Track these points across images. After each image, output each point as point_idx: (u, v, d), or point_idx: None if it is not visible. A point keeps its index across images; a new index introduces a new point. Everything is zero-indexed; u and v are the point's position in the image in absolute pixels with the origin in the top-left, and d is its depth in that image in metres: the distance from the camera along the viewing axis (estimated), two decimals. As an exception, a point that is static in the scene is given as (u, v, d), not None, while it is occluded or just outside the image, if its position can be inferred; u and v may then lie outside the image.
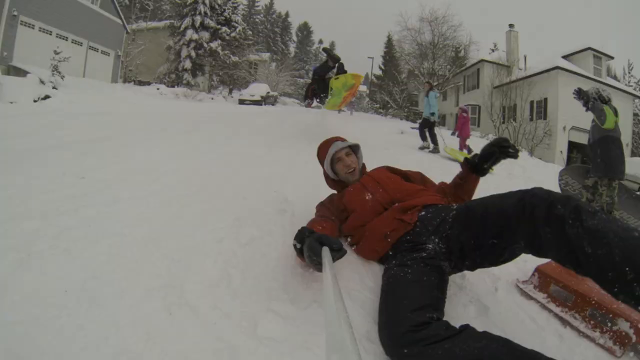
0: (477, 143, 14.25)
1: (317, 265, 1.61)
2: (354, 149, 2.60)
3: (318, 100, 8.95)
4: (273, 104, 30.57)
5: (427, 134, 10.47)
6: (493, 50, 34.80)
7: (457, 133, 11.49)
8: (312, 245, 1.65)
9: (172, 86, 27.13)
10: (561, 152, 23.49)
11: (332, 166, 2.55)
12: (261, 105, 27.02)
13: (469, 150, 10.60)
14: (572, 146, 25.13)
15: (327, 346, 0.79)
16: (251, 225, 2.37)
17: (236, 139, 6.56)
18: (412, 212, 2.08)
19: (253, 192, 3.18)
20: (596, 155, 4.95)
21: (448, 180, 2.54)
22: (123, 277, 1.62)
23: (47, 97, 12.34)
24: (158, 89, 22.98)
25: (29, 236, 1.87)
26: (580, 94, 5.00)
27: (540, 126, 22.29)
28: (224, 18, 31.49)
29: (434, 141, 10.36)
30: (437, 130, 10.63)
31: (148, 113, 11.44)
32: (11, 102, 11.03)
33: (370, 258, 2.18)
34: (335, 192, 2.64)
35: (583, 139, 24.65)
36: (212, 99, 26.85)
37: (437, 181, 2.61)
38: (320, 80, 8.41)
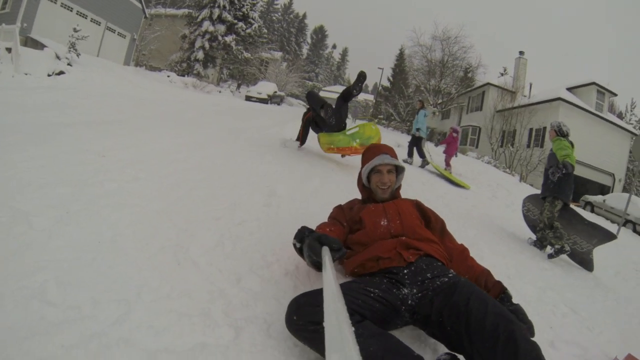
0: (470, 163, 14.81)
1: (317, 265, 1.68)
2: (398, 169, 2.55)
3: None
4: (279, 104, 31.10)
5: (415, 151, 11.13)
6: (502, 74, 35.15)
7: (443, 149, 12.20)
8: (311, 244, 1.73)
9: (183, 75, 27.52)
10: None
11: (369, 175, 2.51)
12: (267, 103, 27.61)
13: (449, 169, 11.21)
14: None
15: (327, 346, 0.85)
16: (243, 210, 2.87)
17: (241, 134, 7.01)
18: (413, 253, 2.04)
19: (249, 184, 3.67)
20: (547, 178, 5.62)
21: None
22: (142, 237, 2.09)
23: (61, 72, 12.69)
24: (168, 76, 23.43)
25: (64, 199, 2.31)
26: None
27: (536, 153, 22.78)
28: (241, 13, 31.84)
29: (422, 155, 10.96)
30: (425, 147, 11.33)
31: (158, 100, 11.89)
32: (26, 74, 11.40)
33: (351, 273, 2.19)
34: (359, 199, 2.66)
35: (577, 170, 25.06)
36: (220, 92, 27.30)
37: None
38: (333, 111, 6.01)
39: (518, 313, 1.89)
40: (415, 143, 11.21)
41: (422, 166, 10.71)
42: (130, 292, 1.63)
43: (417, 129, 11.09)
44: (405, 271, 1.92)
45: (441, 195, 7.42)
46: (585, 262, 5.48)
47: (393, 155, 2.54)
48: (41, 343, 1.24)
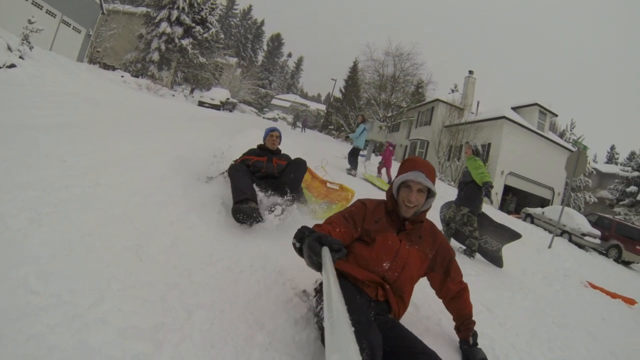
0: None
1: (317, 265, 1.67)
2: (430, 192, 2.42)
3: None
4: (231, 111, 31.15)
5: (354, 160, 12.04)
6: (452, 91, 36.52)
7: (381, 161, 13.32)
8: (311, 244, 1.71)
9: (137, 76, 27.14)
10: (496, 193, 25.29)
11: (399, 187, 2.42)
12: (219, 110, 27.66)
13: (389, 180, 12.27)
14: (508, 189, 27.25)
15: (327, 346, 0.85)
16: (195, 216, 3.21)
17: (194, 143, 7.26)
18: (383, 296, 2.23)
19: (201, 192, 4.00)
20: (461, 190, 6.47)
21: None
22: (108, 237, 2.41)
23: (12, 65, 12.26)
24: (122, 76, 22.97)
25: (35, 202, 2.56)
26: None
27: None
28: (200, 17, 31.82)
29: (354, 166, 11.96)
30: (360, 159, 12.43)
31: (112, 102, 11.86)
32: (-25, 65, 11.10)
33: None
34: (381, 207, 2.54)
35: (519, 184, 26.89)
36: (173, 95, 27.12)
37: None
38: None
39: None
40: (354, 154, 12.11)
41: (351, 174, 11.72)
42: (101, 282, 1.98)
43: (348, 137, 12.17)
44: (372, 302, 2.18)
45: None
46: (496, 259, 6.24)
47: (430, 176, 2.38)
48: (30, 323, 1.55)
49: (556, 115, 29.36)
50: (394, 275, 2.27)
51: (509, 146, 25.72)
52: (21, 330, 1.52)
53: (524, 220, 19.36)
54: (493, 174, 24.87)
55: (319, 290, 2.35)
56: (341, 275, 2.17)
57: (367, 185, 11.18)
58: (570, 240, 16.62)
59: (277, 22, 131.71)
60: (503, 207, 26.22)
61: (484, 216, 6.44)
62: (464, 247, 6.32)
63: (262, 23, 75.03)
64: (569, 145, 28.62)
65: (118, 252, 2.27)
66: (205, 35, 32.27)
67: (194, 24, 31.28)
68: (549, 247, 11.13)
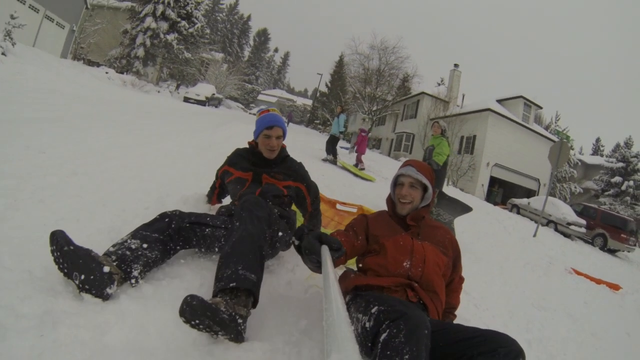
0: (380, 160, 16.33)
1: (316, 264, 1.68)
2: (425, 186, 2.37)
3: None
4: (217, 106, 31.43)
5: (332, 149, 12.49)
6: (439, 84, 36.88)
7: (355, 148, 13.62)
8: (310, 243, 1.71)
9: (122, 72, 27.01)
10: (482, 185, 25.82)
11: (395, 187, 2.45)
12: (205, 105, 27.88)
13: (359, 165, 12.91)
14: (494, 181, 27.65)
15: (327, 346, 0.85)
16: (169, 202, 3.29)
17: (173, 137, 7.35)
18: (415, 297, 2.08)
19: (179, 181, 4.10)
20: None
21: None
22: (82, 221, 2.48)
23: (-6, 61, 12.33)
24: (107, 73, 22.91)
25: (12, 189, 2.65)
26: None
27: (466, 159, 24.61)
28: (185, 12, 31.73)
29: (334, 154, 12.46)
30: (337, 146, 12.85)
31: (95, 99, 11.89)
32: (-44, 60, 11.05)
33: (354, 288, 2.18)
34: (383, 214, 2.53)
35: (505, 175, 27.25)
36: (159, 92, 27.08)
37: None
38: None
39: None
40: (333, 142, 12.57)
41: (331, 161, 12.30)
42: (73, 261, 2.06)
43: (340, 132, 12.54)
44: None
45: (347, 185, 8.58)
46: None
47: (423, 171, 2.36)
48: (2, 297, 1.64)
49: (541, 108, 30.03)
50: (417, 271, 2.16)
51: (494, 138, 26.07)
52: (-7, 302, 1.61)
53: (510, 210, 19.59)
54: (479, 165, 25.40)
55: (349, 305, 2.06)
56: (367, 287, 2.10)
57: (345, 173, 11.49)
58: (556, 229, 16.88)
59: (264, 17, 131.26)
60: (489, 198, 26.42)
61: (441, 192, 6.76)
62: None
63: (249, 18, 74.88)
64: (554, 137, 29.13)
65: (91, 234, 2.32)
66: (191, 30, 32.15)
67: (179, 19, 31.15)
68: (534, 235, 11.33)
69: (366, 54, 34.60)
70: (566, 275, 7.60)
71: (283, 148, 3.07)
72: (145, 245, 2.00)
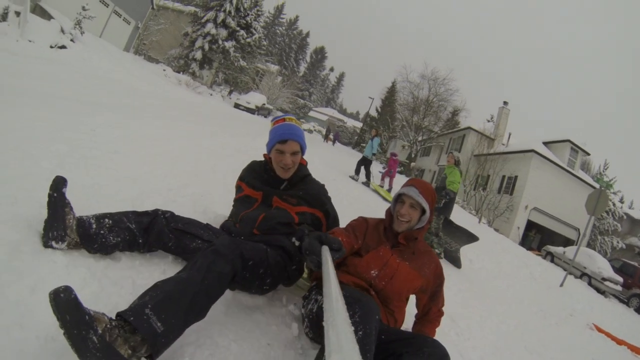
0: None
1: (316, 264, 1.69)
2: (423, 208, 2.41)
3: None
4: (266, 116, 31.90)
5: (363, 170, 12.98)
6: (489, 121, 36.31)
7: (386, 171, 14.01)
8: (311, 243, 1.74)
9: (178, 72, 28.26)
10: (518, 228, 25.07)
11: (396, 201, 2.50)
12: (254, 113, 28.51)
13: (390, 188, 13.31)
14: (532, 225, 26.79)
15: (327, 346, 0.85)
16: (193, 186, 3.70)
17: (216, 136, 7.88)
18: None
19: (206, 175, 4.55)
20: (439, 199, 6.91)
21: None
22: (113, 189, 2.91)
23: (63, 46, 13.32)
24: (164, 70, 24.17)
25: (62, 154, 3.12)
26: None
27: (504, 200, 24.22)
28: (245, 22, 33.01)
29: (368, 177, 12.93)
30: (371, 168, 13.23)
31: (150, 92, 12.71)
32: (30, 41, 11.97)
33: (315, 278, 2.44)
34: (380, 224, 2.58)
35: (543, 221, 26.24)
36: (211, 94, 27.99)
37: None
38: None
39: None
40: (365, 164, 13.02)
41: (366, 185, 12.72)
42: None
43: (373, 154, 12.96)
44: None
45: (373, 209, 8.54)
46: (454, 259, 6.77)
47: (425, 194, 2.40)
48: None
49: (588, 154, 29.13)
50: (380, 283, 2.29)
51: (536, 181, 25.46)
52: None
53: (544, 258, 18.92)
54: (517, 207, 24.77)
55: (312, 289, 2.32)
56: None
57: (374, 195, 11.78)
58: (589, 283, 16.18)
59: (322, 36, 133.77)
60: (525, 242, 25.65)
61: (448, 220, 7.01)
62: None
63: (307, 35, 76.83)
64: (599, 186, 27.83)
65: (118, 202, 2.70)
66: (249, 39, 33.37)
67: (238, 28, 32.43)
68: (561, 285, 10.95)
69: (416, 83, 35.02)
70: (584, 329, 7.20)
71: (302, 166, 2.74)
72: (111, 227, 2.00)
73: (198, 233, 2.24)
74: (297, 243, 1.96)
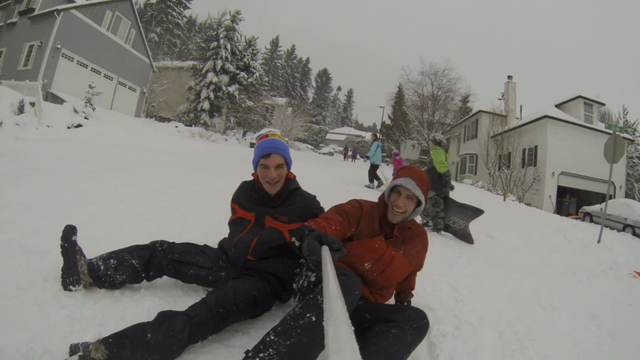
0: (466, 191, 16.14)
1: (316, 265, 1.68)
2: (418, 199, 2.43)
3: None
4: (282, 149, 32.77)
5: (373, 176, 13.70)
6: (500, 99, 35.08)
7: (393, 172, 14.87)
8: (311, 244, 1.72)
9: (190, 125, 29.65)
10: (550, 196, 24.35)
11: (391, 191, 2.47)
12: (269, 148, 29.32)
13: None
14: (565, 190, 25.74)
15: (327, 346, 0.88)
16: (190, 234, 4.46)
17: (228, 176, 8.72)
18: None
19: (221, 203, 5.33)
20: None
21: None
22: (136, 230, 3.70)
23: (79, 125, 14.53)
24: (176, 126, 25.47)
25: (93, 212, 3.95)
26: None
27: (529, 173, 23.47)
28: (243, 63, 34.34)
29: (377, 178, 13.71)
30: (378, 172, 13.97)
31: (163, 150, 13.86)
32: (48, 126, 13.15)
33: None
34: (374, 210, 2.57)
35: (575, 183, 24.86)
36: (226, 140, 29.21)
37: None
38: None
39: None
40: (372, 169, 13.79)
41: (379, 186, 13.47)
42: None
43: (366, 156, 13.67)
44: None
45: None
46: (465, 236, 6.96)
47: (421, 185, 2.42)
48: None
49: (603, 104, 27.99)
50: (372, 275, 2.38)
51: (557, 145, 24.66)
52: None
53: (582, 220, 18.27)
54: (543, 176, 23.99)
55: (301, 265, 2.51)
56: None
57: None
58: (634, 233, 14.99)
59: (322, 58, 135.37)
60: (561, 210, 24.44)
61: (448, 199, 7.25)
62: (431, 226, 7.23)
63: (308, 60, 78.55)
64: (625, 134, 25.96)
65: (139, 239, 3.15)
66: (250, 79, 34.65)
67: (238, 71, 33.77)
68: (598, 241, 10.00)
69: (418, 81, 35.22)
70: (624, 278, 6.50)
71: (291, 180, 2.75)
72: (117, 267, 2.36)
73: (194, 261, 2.53)
74: (297, 243, 1.88)
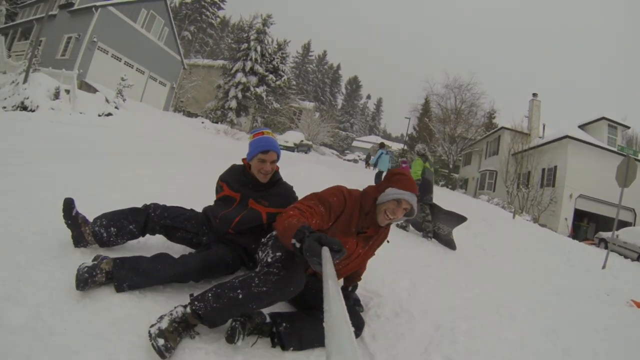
0: (473, 207, 15.89)
1: (317, 266, 1.72)
2: (411, 214, 2.65)
3: None
4: (306, 152, 33.30)
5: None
6: (526, 117, 34.54)
7: None
8: (311, 245, 1.78)
9: (216, 122, 30.51)
10: (566, 219, 23.82)
11: (388, 200, 2.55)
12: (293, 151, 30.04)
13: None
14: (582, 214, 25.03)
15: (327, 346, 0.88)
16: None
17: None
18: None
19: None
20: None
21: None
22: (145, 193, 4.41)
23: (109, 114, 15.66)
24: (203, 122, 26.44)
25: (112, 188, 4.70)
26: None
27: (547, 193, 23.30)
28: (272, 66, 35.23)
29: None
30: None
31: (186, 142, 14.74)
32: (81, 113, 14.32)
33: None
34: (357, 206, 2.65)
35: (594, 207, 24.01)
36: (250, 138, 29.75)
37: None
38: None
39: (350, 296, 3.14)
40: (378, 177, 14.30)
41: None
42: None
43: (366, 160, 14.08)
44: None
45: None
46: (448, 242, 7.37)
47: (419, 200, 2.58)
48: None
49: (628, 127, 27.09)
50: (338, 267, 2.58)
51: (576, 167, 23.94)
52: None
53: (597, 246, 18.12)
54: (560, 198, 23.47)
55: (270, 236, 2.64)
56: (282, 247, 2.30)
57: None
58: None
59: (353, 65, 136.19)
60: (578, 234, 24.09)
61: (435, 206, 7.76)
62: (421, 232, 7.74)
63: (339, 67, 78.89)
64: (640, 157, 24.83)
65: (144, 196, 3.44)
66: (278, 82, 35.36)
67: (267, 73, 34.57)
68: (603, 267, 9.90)
69: (441, 94, 35.01)
70: (618, 305, 6.27)
71: (276, 171, 3.18)
72: (117, 234, 2.78)
73: (182, 226, 2.98)
74: (297, 245, 1.90)
